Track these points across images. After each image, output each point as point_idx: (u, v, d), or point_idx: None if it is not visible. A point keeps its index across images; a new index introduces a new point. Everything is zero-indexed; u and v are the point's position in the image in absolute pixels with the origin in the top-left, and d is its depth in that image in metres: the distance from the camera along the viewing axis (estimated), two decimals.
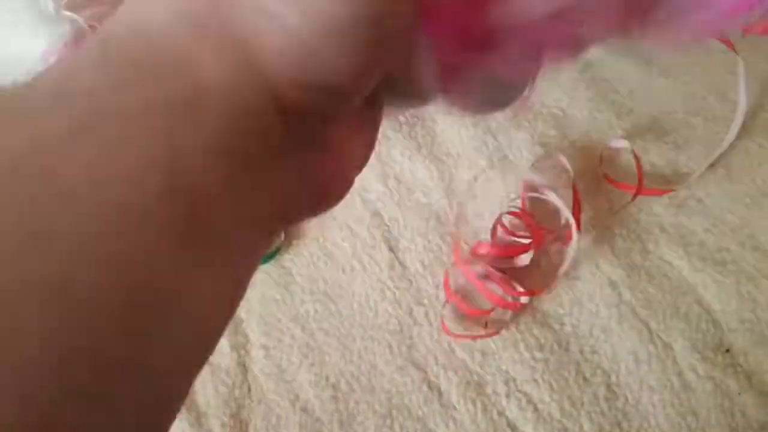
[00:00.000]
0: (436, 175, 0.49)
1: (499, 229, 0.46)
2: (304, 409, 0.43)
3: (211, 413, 0.43)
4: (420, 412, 0.43)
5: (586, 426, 0.42)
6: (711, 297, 0.45)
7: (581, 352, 0.44)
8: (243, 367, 0.44)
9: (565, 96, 0.51)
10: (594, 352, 0.44)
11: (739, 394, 0.42)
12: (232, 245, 0.14)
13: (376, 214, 0.49)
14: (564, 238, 0.46)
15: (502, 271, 0.45)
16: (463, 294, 0.45)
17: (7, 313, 0.11)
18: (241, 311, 0.46)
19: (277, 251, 0.47)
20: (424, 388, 0.43)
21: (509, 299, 0.44)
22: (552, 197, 0.47)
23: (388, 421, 0.42)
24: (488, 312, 0.44)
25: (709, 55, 0.53)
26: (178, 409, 0.14)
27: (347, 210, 0.49)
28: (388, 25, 0.14)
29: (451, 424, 0.42)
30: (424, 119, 0.51)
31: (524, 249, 0.45)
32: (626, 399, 0.42)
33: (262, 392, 0.44)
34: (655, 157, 0.49)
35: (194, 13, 0.14)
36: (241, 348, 0.45)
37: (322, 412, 0.43)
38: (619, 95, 0.52)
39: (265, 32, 0.14)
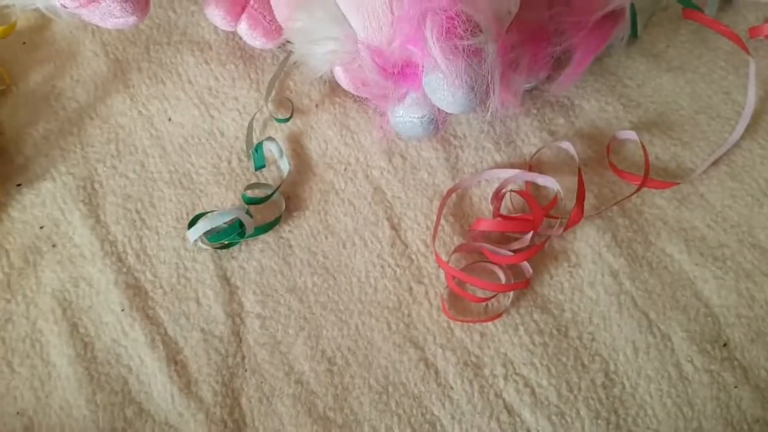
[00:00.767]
0: (442, 156, 0.49)
1: (501, 206, 0.46)
2: (298, 382, 0.42)
3: (202, 380, 0.42)
4: (416, 390, 0.42)
5: (583, 411, 0.41)
6: (710, 291, 0.45)
7: (580, 338, 0.43)
8: (237, 336, 0.43)
9: (573, 87, 0.51)
10: (593, 339, 0.43)
11: (735, 387, 0.42)
12: None
13: (379, 190, 0.48)
14: (565, 224, 0.45)
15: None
16: (467, 273, 0.45)
17: None
18: (237, 279, 0.45)
19: (277, 221, 0.47)
20: (421, 366, 0.43)
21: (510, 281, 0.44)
22: (556, 183, 0.47)
23: (384, 398, 0.42)
24: (488, 299, 0.44)
25: (715, 56, 0.53)
26: None
27: (350, 185, 0.48)
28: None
29: (447, 403, 0.42)
30: None
31: (525, 227, 0.45)
32: (623, 387, 0.42)
33: (256, 362, 0.43)
34: (660, 150, 0.49)
35: None
36: (236, 316, 0.44)
37: (316, 385, 0.42)
38: (627, 89, 0.52)
39: None
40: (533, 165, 0.49)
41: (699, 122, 0.50)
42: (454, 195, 0.48)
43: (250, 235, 0.46)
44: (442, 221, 0.47)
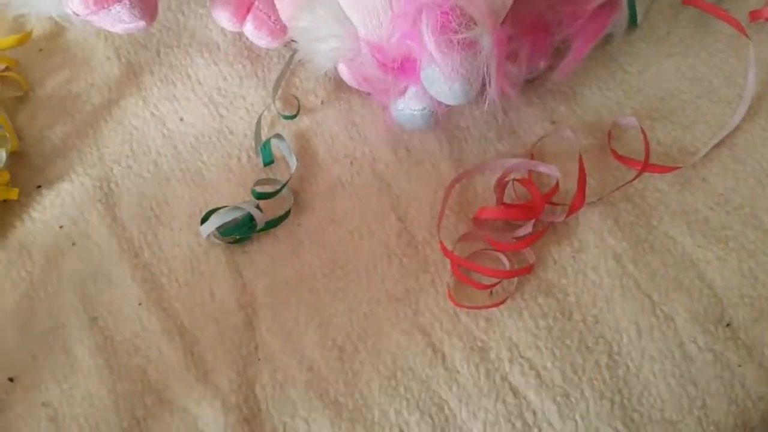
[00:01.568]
0: (446, 147, 0.50)
1: (504, 195, 0.47)
2: (310, 369, 0.44)
3: (218, 369, 0.44)
4: (424, 375, 0.43)
5: (587, 393, 0.42)
6: (713, 272, 0.45)
7: (584, 321, 0.44)
8: (250, 326, 0.45)
9: (574, 74, 0.52)
10: (597, 321, 0.44)
11: (739, 366, 0.43)
12: None
13: (385, 183, 0.49)
14: (568, 210, 0.46)
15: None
16: (471, 260, 0.46)
17: None
18: (249, 272, 0.46)
19: (287, 215, 0.48)
20: (429, 351, 0.44)
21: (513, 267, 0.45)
22: (557, 170, 0.47)
23: (393, 383, 0.43)
24: (492, 286, 0.45)
25: (715, 40, 0.53)
26: None
27: (356, 178, 0.49)
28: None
29: (454, 387, 0.43)
30: None
31: (527, 214, 0.46)
32: (627, 368, 0.43)
33: (269, 351, 0.44)
34: (662, 135, 0.50)
35: None
36: (248, 307, 0.45)
37: (327, 371, 0.43)
38: (628, 75, 0.52)
39: None
40: (535, 153, 0.49)
41: (700, 106, 0.51)
42: (458, 185, 0.49)
43: (261, 229, 0.47)
44: (447, 211, 0.48)
